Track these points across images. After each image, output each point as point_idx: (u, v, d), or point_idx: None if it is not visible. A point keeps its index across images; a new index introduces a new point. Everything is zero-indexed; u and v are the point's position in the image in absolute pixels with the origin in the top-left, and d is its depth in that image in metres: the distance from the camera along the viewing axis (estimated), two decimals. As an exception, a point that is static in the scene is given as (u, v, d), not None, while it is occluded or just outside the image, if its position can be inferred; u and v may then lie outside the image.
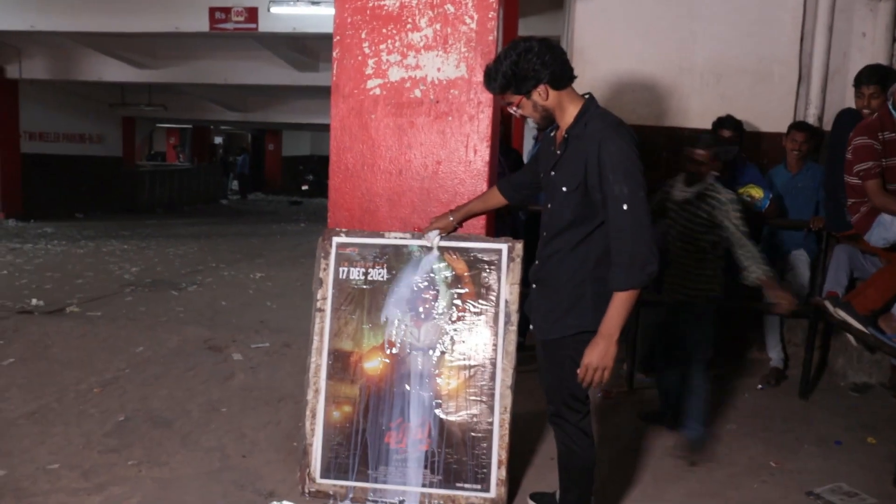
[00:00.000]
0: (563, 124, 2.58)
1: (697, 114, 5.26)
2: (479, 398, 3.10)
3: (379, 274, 3.24)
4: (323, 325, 3.24)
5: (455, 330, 3.15)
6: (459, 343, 3.14)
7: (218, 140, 30.51)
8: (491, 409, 3.09)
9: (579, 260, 2.55)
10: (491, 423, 3.08)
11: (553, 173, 2.61)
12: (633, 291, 2.40)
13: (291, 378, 4.74)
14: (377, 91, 3.31)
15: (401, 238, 3.24)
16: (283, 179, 29.32)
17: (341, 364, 3.22)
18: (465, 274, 3.16)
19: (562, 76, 2.51)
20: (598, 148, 2.41)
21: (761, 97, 5.48)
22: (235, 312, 6.91)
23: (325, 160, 3.42)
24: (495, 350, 3.11)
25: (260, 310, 7.06)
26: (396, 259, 3.23)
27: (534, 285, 2.75)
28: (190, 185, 22.08)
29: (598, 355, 2.42)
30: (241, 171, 26.57)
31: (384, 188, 3.34)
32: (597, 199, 2.45)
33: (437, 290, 3.18)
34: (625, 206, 2.37)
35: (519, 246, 3.16)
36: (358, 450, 3.15)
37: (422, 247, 3.20)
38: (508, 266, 3.14)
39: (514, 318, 3.13)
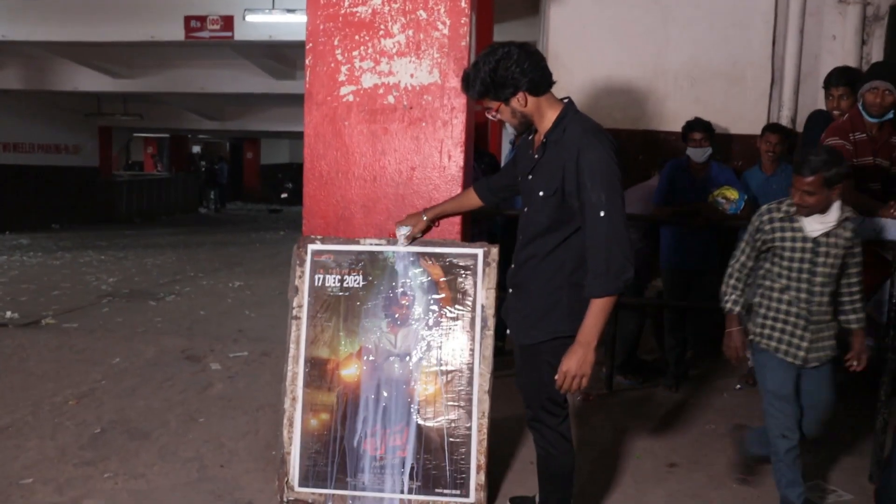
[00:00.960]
0: (542, 129, 2.58)
1: (672, 117, 5.31)
2: (456, 403, 3.09)
3: (355, 281, 3.23)
4: (299, 333, 3.22)
5: (432, 335, 3.14)
6: (436, 349, 3.14)
7: (196, 149, 30.28)
8: (469, 414, 3.08)
9: (555, 265, 2.55)
10: (469, 429, 3.07)
11: (530, 177, 2.61)
12: (610, 298, 2.40)
13: (270, 387, 4.71)
14: (350, 98, 3.30)
15: (376, 244, 3.23)
16: (262, 188, 29.09)
17: (318, 372, 3.20)
18: (441, 279, 3.16)
19: (540, 83, 2.51)
20: (576, 154, 2.41)
21: (735, 100, 5.54)
22: (214, 322, 6.87)
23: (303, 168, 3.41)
24: (472, 355, 3.10)
25: (238, 319, 7.02)
26: (372, 265, 3.22)
27: (510, 290, 2.74)
28: (168, 195, 21.91)
29: (577, 362, 2.42)
30: (205, 179, 26.11)
31: (359, 195, 3.33)
32: (574, 206, 2.45)
33: (414, 296, 3.17)
34: (602, 213, 2.37)
35: (495, 250, 3.16)
36: (336, 457, 3.13)
37: (396, 252, 3.20)
38: (484, 271, 3.14)
39: (491, 322, 3.13)
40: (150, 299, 7.87)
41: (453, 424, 3.09)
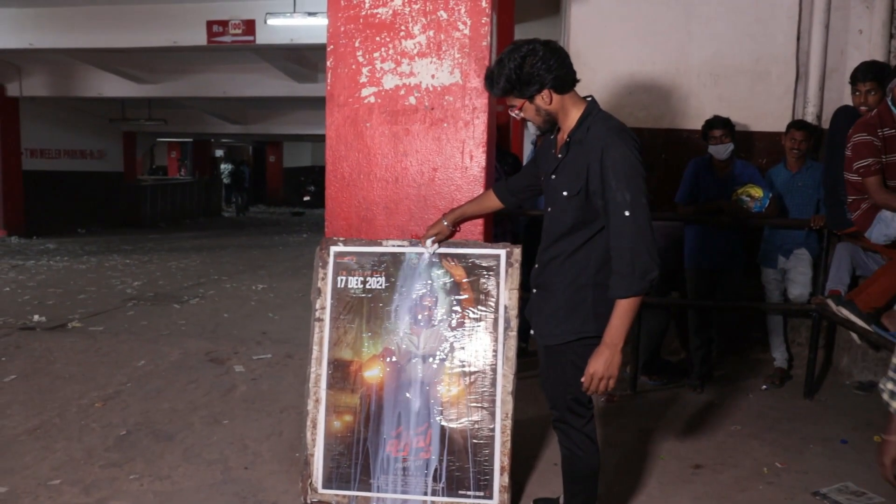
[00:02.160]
0: (566, 128, 2.56)
1: (696, 115, 5.25)
2: (480, 405, 3.08)
3: (377, 282, 3.23)
4: (322, 335, 3.23)
5: (455, 337, 3.13)
6: (459, 350, 3.13)
7: (219, 153, 30.47)
8: (492, 415, 3.07)
9: (580, 264, 2.54)
10: (493, 430, 3.06)
11: (554, 177, 2.60)
12: (636, 299, 2.38)
13: (293, 389, 4.73)
14: (372, 99, 3.31)
15: (398, 246, 3.23)
16: (285, 191, 29.32)
17: (341, 373, 3.21)
18: (464, 280, 3.15)
19: (566, 80, 2.49)
20: (600, 153, 2.39)
21: (759, 97, 5.47)
22: (237, 324, 6.91)
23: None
24: (496, 356, 3.09)
25: (262, 321, 7.06)
26: (394, 267, 3.22)
27: (534, 290, 2.72)
28: (192, 199, 22.08)
29: (604, 364, 2.40)
30: (229, 182, 26.11)
31: (381, 196, 3.33)
32: (598, 205, 2.43)
33: (436, 297, 3.17)
34: (627, 213, 2.35)
35: (517, 251, 3.14)
36: (359, 459, 3.13)
37: (419, 254, 3.19)
38: (507, 271, 3.13)
39: (514, 323, 3.11)
40: (174, 302, 7.94)
41: (477, 426, 3.08)
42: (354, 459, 3.13)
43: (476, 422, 3.08)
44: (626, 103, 5.49)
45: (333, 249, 3.28)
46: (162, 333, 6.40)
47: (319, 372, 3.22)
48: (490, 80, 2.53)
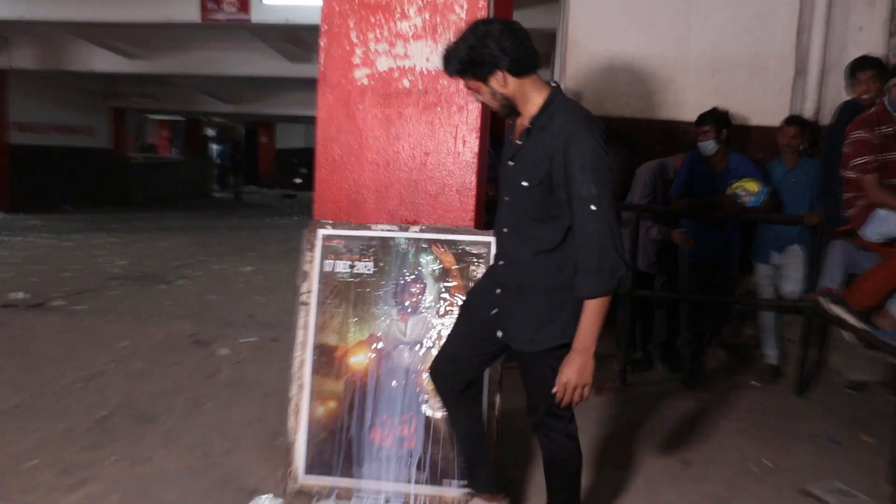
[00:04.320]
0: (526, 114, 2.41)
1: (693, 107, 5.19)
2: (467, 395, 3.03)
3: (365, 267, 3.16)
4: (307, 319, 3.17)
5: (443, 324, 3.08)
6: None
7: (211, 132, 30.06)
8: (479, 405, 3.02)
9: (557, 264, 2.39)
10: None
11: (512, 164, 2.45)
12: (604, 299, 2.27)
13: (279, 373, 4.60)
14: (364, 81, 3.23)
15: (388, 230, 3.17)
16: (277, 173, 28.97)
17: (326, 359, 3.15)
18: (453, 267, 3.09)
19: (524, 63, 2.33)
20: (565, 144, 2.26)
21: (757, 91, 5.43)
22: (224, 307, 6.82)
23: (318, 153, 3.39)
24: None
25: (249, 304, 6.98)
26: (383, 252, 3.16)
27: (499, 290, 2.55)
28: (182, 178, 21.73)
29: (577, 372, 2.27)
30: (222, 163, 25.31)
31: (371, 179, 3.26)
32: (562, 198, 2.30)
33: (425, 284, 3.11)
34: (593, 208, 2.23)
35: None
36: (343, 446, 3.08)
37: (409, 239, 3.13)
38: (498, 260, 3.06)
39: None
40: (160, 283, 7.84)
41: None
42: (337, 447, 3.08)
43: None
44: (623, 92, 5.43)
45: (322, 232, 3.22)
46: (146, 314, 6.31)
47: (304, 357, 3.16)
48: (445, 58, 2.39)
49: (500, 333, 2.54)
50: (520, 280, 2.46)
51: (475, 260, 3.08)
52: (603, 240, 2.23)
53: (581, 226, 2.26)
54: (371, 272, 3.16)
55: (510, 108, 2.43)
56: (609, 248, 2.23)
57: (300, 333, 3.16)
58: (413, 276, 3.12)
